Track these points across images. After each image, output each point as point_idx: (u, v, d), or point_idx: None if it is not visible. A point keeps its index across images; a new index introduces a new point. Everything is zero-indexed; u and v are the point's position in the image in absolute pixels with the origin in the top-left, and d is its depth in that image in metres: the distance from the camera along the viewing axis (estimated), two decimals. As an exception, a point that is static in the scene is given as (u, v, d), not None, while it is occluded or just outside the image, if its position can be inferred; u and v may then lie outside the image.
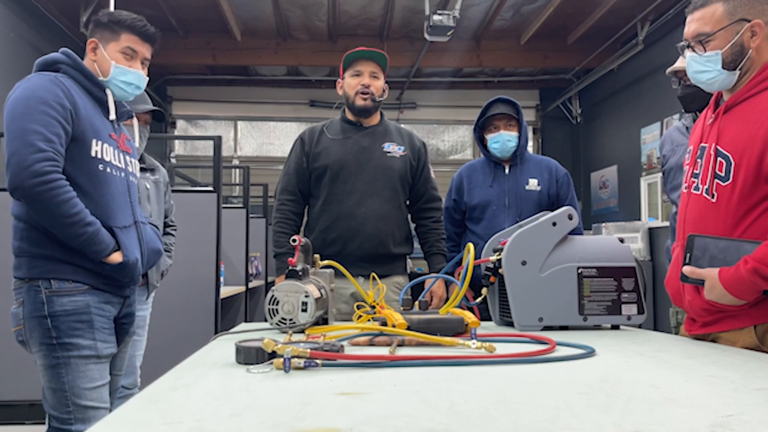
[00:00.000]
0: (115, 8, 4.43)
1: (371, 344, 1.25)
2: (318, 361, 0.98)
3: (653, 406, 0.78)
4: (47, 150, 1.61)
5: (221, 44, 7.12)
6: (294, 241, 1.50)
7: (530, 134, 8.62)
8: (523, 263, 1.58)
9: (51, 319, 1.68)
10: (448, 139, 8.96)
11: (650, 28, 6.23)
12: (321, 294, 1.46)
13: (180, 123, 8.69)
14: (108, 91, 1.83)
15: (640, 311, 1.60)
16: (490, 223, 2.62)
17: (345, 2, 6.31)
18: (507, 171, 2.70)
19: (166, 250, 2.67)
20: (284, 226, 2.38)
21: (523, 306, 1.57)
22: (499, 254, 1.62)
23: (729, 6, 1.46)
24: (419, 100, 8.68)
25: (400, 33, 7.09)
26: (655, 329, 4.80)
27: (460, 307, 1.53)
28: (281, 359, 0.97)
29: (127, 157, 1.89)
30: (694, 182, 1.53)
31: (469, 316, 1.42)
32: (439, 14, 5.40)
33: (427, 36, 5.61)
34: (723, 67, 1.47)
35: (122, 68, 1.82)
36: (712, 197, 1.46)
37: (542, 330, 1.55)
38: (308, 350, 0.99)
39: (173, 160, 8.21)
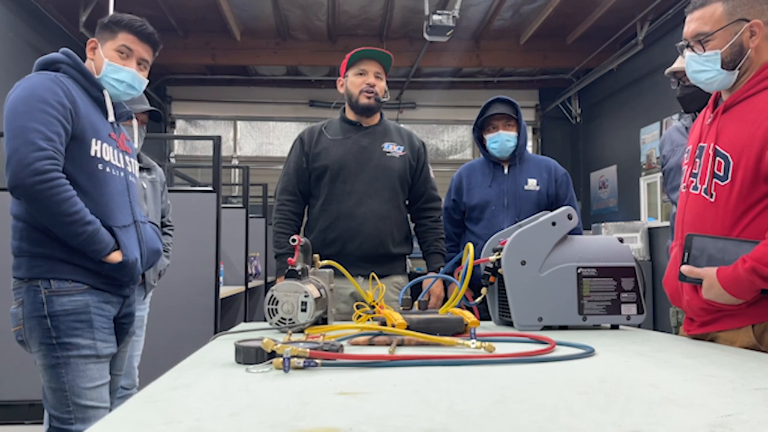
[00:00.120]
0: (114, 8, 4.43)
1: (371, 344, 1.25)
2: (317, 361, 0.98)
3: (652, 405, 0.78)
4: (47, 148, 1.61)
5: (221, 44, 7.12)
6: (293, 241, 1.50)
7: (530, 134, 8.63)
8: (523, 263, 1.58)
9: (51, 319, 1.68)
10: (447, 139, 8.96)
11: (650, 28, 6.23)
12: (320, 294, 1.46)
13: (179, 123, 8.69)
14: (106, 92, 1.83)
15: (640, 311, 1.60)
16: (489, 223, 2.62)
17: (344, 2, 6.31)
18: (506, 171, 2.70)
19: (163, 250, 2.67)
20: (284, 227, 2.38)
21: (522, 306, 1.57)
22: (499, 254, 1.62)
23: (728, 6, 1.46)
24: (419, 99, 8.68)
25: (400, 33, 7.09)
26: (655, 329, 4.81)
27: (459, 306, 1.53)
28: (281, 359, 0.97)
29: (127, 157, 1.89)
30: (692, 182, 1.53)
31: (469, 316, 1.42)
32: (439, 14, 5.40)
33: (426, 36, 5.61)
34: (722, 67, 1.47)
35: (114, 66, 1.82)
36: (711, 197, 1.46)
37: (542, 330, 1.55)
38: (308, 350, 0.99)
39: (173, 160, 8.21)
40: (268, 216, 6.22)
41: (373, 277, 1.87)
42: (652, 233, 6.14)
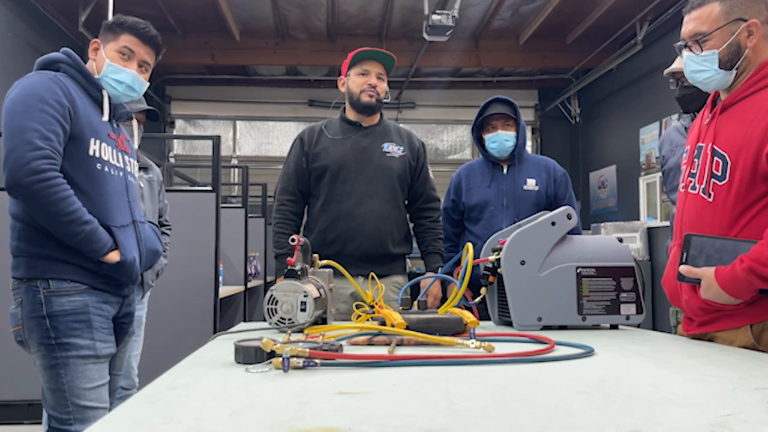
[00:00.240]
0: (114, 8, 4.43)
1: (370, 344, 1.25)
2: (317, 361, 0.98)
3: (652, 405, 0.78)
4: (45, 148, 1.61)
5: (220, 44, 7.11)
6: (293, 240, 1.50)
7: (529, 134, 8.63)
8: (522, 263, 1.58)
9: (49, 320, 1.67)
10: (446, 138, 8.96)
11: (649, 28, 6.23)
12: (320, 294, 1.46)
13: (179, 123, 8.68)
14: (104, 92, 1.83)
15: (639, 311, 1.60)
16: (489, 223, 2.63)
17: (344, 2, 6.31)
18: (505, 171, 2.70)
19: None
20: (284, 227, 2.38)
21: (522, 306, 1.57)
22: (498, 254, 1.62)
23: (726, 6, 1.46)
24: (418, 99, 8.68)
25: (399, 33, 7.09)
26: (654, 329, 4.81)
27: (458, 306, 1.53)
28: (280, 359, 0.97)
29: (126, 157, 1.89)
30: (691, 182, 1.53)
31: (468, 316, 1.42)
32: (438, 14, 5.40)
33: (426, 36, 5.61)
34: (720, 67, 1.48)
35: (115, 66, 1.82)
36: (709, 197, 1.46)
37: (541, 330, 1.56)
38: (307, 350, 0.99)
39: (172, 160, 8.20)
40: (268, 216, 6.22)
41: (373, 277, 1.87)
42: (651, 233, 6.14)
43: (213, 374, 0.97)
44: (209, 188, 3.59)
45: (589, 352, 1.16)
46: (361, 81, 2.38)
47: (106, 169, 1.77)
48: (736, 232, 1.41)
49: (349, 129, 2.43)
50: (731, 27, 1.46)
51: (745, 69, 1.47)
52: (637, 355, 1.17)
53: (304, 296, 1.37)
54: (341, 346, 1.09)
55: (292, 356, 0.97)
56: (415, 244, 2.54)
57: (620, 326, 1.63)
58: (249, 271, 5.22)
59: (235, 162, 8.57)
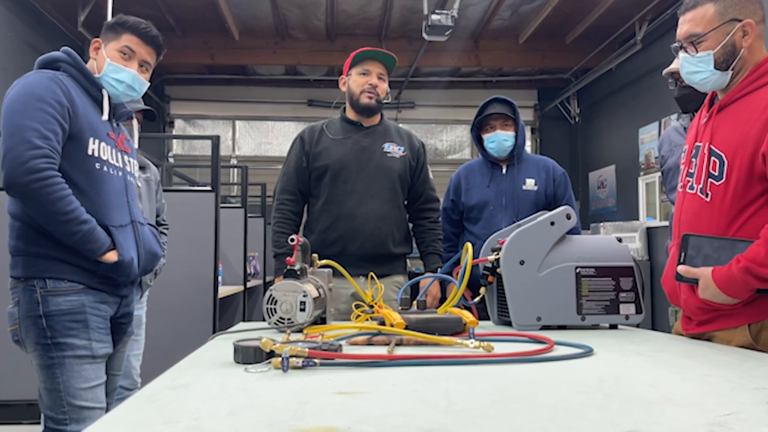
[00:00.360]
0: (113, 8, 4.43)
1: (369, 343, 1.25)
2: (316, 361, 0.98)
3: (651, 405, 0.78)
4: (43, 147, 1.61)
5: (219, 43, 7.11)
6: (292, 240, 1.50)
7: (528, 134, 8.63)
8: (522, 263, 1.58)
9: (46, 319, 1.67)
10: (446, 138, 8.96)
11: (648, 28, 6.23)
12: (319, 293, 1.46)
13: (178, 122, 8.68)
14: (104, 91, 1.83)
15: (638, 311, 1.60)
16: (488, 223, 2.63)
17: (343, 2, 6.31)
18: (504, 171, 2.70)
19: None
20: (284, 226, 2.38)
21: (521, 305, 1.57)
22: (498, 254, 1.62)
23: (720, 6, 1.46)
24: (417, 99, 8.68)
25: (399, 32, 7.08)
26: (653, 329, 4.81)
27: (458, 306, 1.53)
28: (279, 359, 0.97)
29: (125, 157, 1.88)
30: (689, 181, 1.54)
31: (468, 316, 1.42)
32: (438, 14, 5.40)
33: (425, 35, 5.60)
34: (715, 68, 1.48)
35: (116, 66, 1.82)
36: (707, 196, 1.46)
37: (540, 329, 1.56)
38: (306, 349, 0.99)
39: (171, 160, 8.20)
40: (267, 216, 6.22)
41: (372, 277, 1.87)
42: (650, 233, 6.15)
43: (212, 374, 0.96)
44: (208, 188, 3.59)
45: (588, 352, 1.16)
46: (361, 81, 2.38)
47: (105, 168, 1.76)
48: (733, 231, 1.41)
49: (350, 129, 2.43)
50: (726, 27, 1.46)
51: (741, 69, 1.48)
52: (636, 355, 1.17)
53: (304, 296, 1.37)
54: (340, 345, 1.09)
55: (292, 356, 0.97)
56: (413, 245, 2.54)
57: (619, 326, 1.63)
58: (248, 271, 5.22)
59: (234, 162, 8.57)
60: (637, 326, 1.65)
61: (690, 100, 2.27)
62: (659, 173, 2.71)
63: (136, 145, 2.01)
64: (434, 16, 5.39)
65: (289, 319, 1.37)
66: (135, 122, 2.09)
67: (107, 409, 1.80)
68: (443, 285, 2.52)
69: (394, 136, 2.46)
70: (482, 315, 1.81)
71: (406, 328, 1.33)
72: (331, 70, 8.04)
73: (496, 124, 2.67)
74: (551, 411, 0.75)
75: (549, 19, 6.49)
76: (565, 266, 1.58)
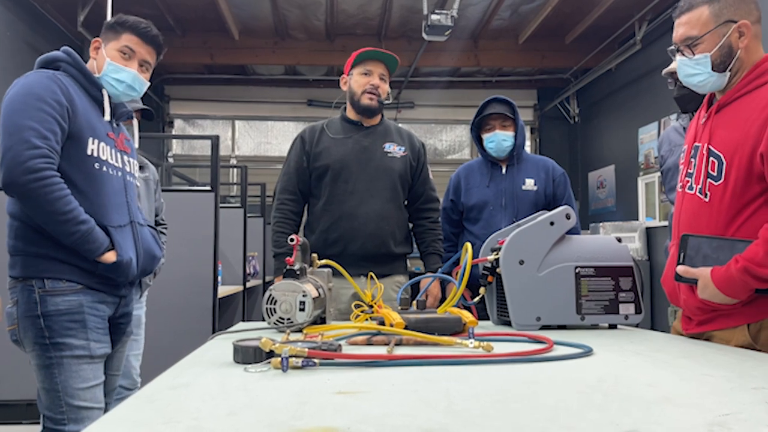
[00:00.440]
0: (112, 7, 4.42)
1: (369, 343, 1.25)
2: (316, 361, 0.98)
3: (651, 405, 0.78)
4: (42, 147, 1.61)
5: (219, 43, 7.11)
6: (292, 240, 1.50)
7: (528, 134, 8.63)
8: (521, 263, 1.58)
9: (44, 319, 1.67)
10: (445, 138, 8.96)
11: (648, 28, 6.23)
12: (319, 293, 1.46)
13: (177, 122, 8.67)
14: (104, 91, 1.82)
15: (638, 311, 1.60)
16: (487, 223, 2.63)
17: (343, 1, 6.31)
18: (504, 171, 2.70)
19: None
20: (284, 226, 2.38)
21: (520, 305, 1.57)
22: (497, 254, 1.62)
23: (714, 8, 1.46)
24: (417, 99, 8.68)
25: (398, 32, 7.08)
26: (653, 328, 4.81)
27: (457, 306, 1.53)
28: (279, 358, 0.97)
29: (125, 157, 1.88)
30: (688, 182, 1.54)
31: (467, 316, 1.42)
32: (437, 14, 5.40)
33: (425, 35, 5.60)
34: (713, 69, 1.48)
35: (116, 65, 1.82)
36: (706, 197, 1.46)
37: (540, 329, 1.56)
38: (306, 349, 0.99)
39: (171, 160, 8.20)
40: (266, 215, 6.21)
41: (371, 277, 1.86)
42: (650, 233, 6.15)
43: (212, 374, 0.96)
44: (208, 188, 3.59)
45: (587, 352, 1.16)
46: (363, 81, 2.38)
47: (104, 168, 1.76)
48: (732, 231, 1.42)
49: (351, 128, 2.43)
50: (721, 29, 1.46)
51: (739, 69, 1.48)
52: (635, 355, 1.17)
53: (303, 296, 1.37)
54: (340, 345, 1.09)
55: (291, 356, 0.97)
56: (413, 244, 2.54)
57: (619, 326, 1.63)
58: (248, 271, 5.22)
59: (233, 162, 8.57)
60: (637, 326, 1.65)
61: (689, 100, 2.27)
62: (659, 173, 2.71)
63: (136, 145, 2.01)
64: (434, 16, 5.39)
65: (288, 318, 1.37)
66: (135, 122, 2.08)
67: (106, 409, 1.80)
68: (443, 285, 2.53)
69: (394, 136, 2.46)
70: (482, 315, 1.81)
71: (406, 328, 1.33)
72: (330, 70, 8.03)
73: (495, 124, 2.67)
74: (551, 411, 0.75)
75: (548, 19, 6.49)
76: (565, 266, 1.58)
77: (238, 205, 5.21)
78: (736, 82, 1.48)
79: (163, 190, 2.95)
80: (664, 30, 6.07)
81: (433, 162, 8.13)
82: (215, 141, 3.61)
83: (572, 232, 1.65)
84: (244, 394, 0.82)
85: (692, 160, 1.54)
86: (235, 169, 8.40)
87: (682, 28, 1.51)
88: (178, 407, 0.76)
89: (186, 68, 8.00)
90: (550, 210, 1.66)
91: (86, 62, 1.84)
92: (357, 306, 1.54)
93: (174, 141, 8.57)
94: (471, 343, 1.18)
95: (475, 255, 1.71)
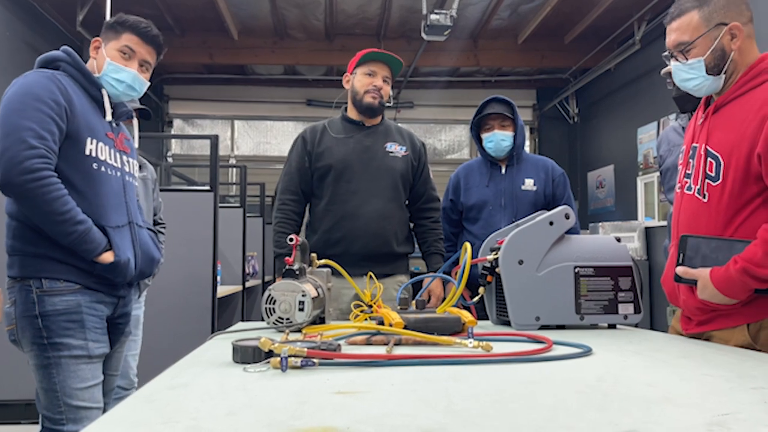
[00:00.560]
0: (111, 7, 4.42)
1: (368, 343, 1.25)
2: (315, 360, 0.98)
3: (650, 405, 0.78)
4: (39, 147, 1.60)
5: (218, 43, 7.11)
6: (291, 240, 1.50)
7: (527, 134, 8.63)
8: (520, 262, 1.58)
9: (42, 319, 1.67)
10: (445, 138, 8.96)
11: (647, 28, 6.24)
12: (318, 293, 1.46)
13: (177, 122, 8.67)
14: (104, 91, 1.82)
15: (637, 310, 1.60)
16: (487, 223, 2.63)
17: (342, 1, 6.30)
18: (503, 171, 2.70)
19: None
20: (286, 226, 2.37)
21: (520, 305, 1.57)
22: (496, 253, 1.62)
23: (704, 12, 1.47)
24: (416, 99, 8.68)
25: (398, 32, 7.08)
26: (652, 328, 4.81)
27: (457, 306, 1.53)
28: (278, 358, 0.97)
29: (124, 157, 1.87)
30: (686, 182, 1.54)
31: (466, 315, 1.42)
32: (437, 13, 5.40)
33: (424, 35, 5.60)
34: (707, 73, 1.48)
35: (116, 65, 1.81)
36: (704, 197, 1.47)
37: (539, 329, 1.56)
38: (305, 349, 0.99)
39: (170, 159, 8.19)
40: (266, 215, 6.21)
41: (371, 276, 1.86)
42: (649, 233, 6.15)
43: (211, 374, 0.96)
44: (207, 188, 3.59)
45: (587, 352, 1.16)
46: (366, 81, 2.38)
47: (103, 168, 1.76)
48: (731, 232, 1.42)
49: (352, 128, 2.43)
50: (713, 33, 1.46)
51: (734, 71, 1.48)
52: (635, 355, 1.17)
53: (302, 296, 1.37)
54: (339, 345, 1.09)
55: (290, 356, 0.97)
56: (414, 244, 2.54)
57: (618, 326, 1.63)
58: (247, 271, 5.22)
59: (233, 161, 8.57)
60: (636, 326, 1.65)
61: (688, 100, 2.27)
62: (658, 173, 2.71)
63: (136, 145, 2.00)
64: (433, 16, 5.39)
65: (287, 318, 1.37)
66: (135, 121, 2.08)
67: (105, 410, 1.80)
68: (445, 285, 2.53)
69: (395, 135, 2.47)
70: (481, 315, 1.81)
71: (405, 327, 1.33)
72: (329, 69, 8.03)
73: (494, 124, 2.67)
74: (550, 411, 0.75)
75: (548, 19, 6.50)
76: (564, 266, 1.58)
77: (238, 204, 5.20)
78: (732, 83, 1.48)
79: (162, 190, 2.95)
80: (663, 30, 6.02)
81: (433, 162, 8.12)
82: (214, 141, 3.61)
83: (571, 231, 1.65)
84: (243, 394, 0.82)
85: (690, 160, 1.54)
86: (234, 169, 8.40)
87: (673, 34, 1.52)
88: (177, 407, 0.76)
89: (185, 68, 7.99)
90: (549, 210, 1.66)
91: (86, 62, 1.84)
92: (357, 306, 1.54)
93: (173, 141, 8.57)
94: (470, 342, 1.18)
95: (474, 255, 1.71)
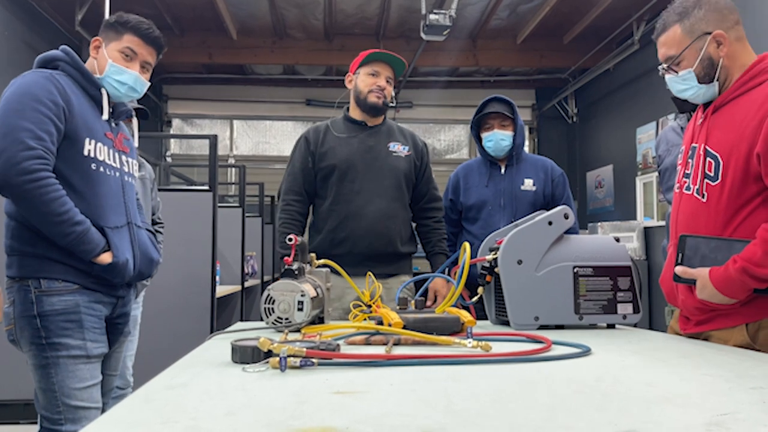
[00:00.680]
0: (110, 7, 4.42)
1: (367, 343, 1.25)
2: (314, 360, 0.98)
3: (649, 404, 0.78)
4: (37, 148, 1.60)
5: (217, 43, 7.10)
6: (290, 240, 1.50)
7: (526, 134, 8.63)
8: (519, 262, 1.58)
9: (40, 319, 1.67)
10: (444, 138, 8.97)
11: (646, 28, 6.24)
12: (317, 293, 1.46)
13: (176, 122, 8.67)
14: (103, 91, 1.82)
15: (636, 310, 1.60)
16: (486, 223, 2.63)
17: (341, 1, 6.30)
18: (503, 171, 2.70)
19: None
20: (291, 227, 2.37)
21: (519, 305, 1.57)
22: (495, 253, 1.62)
23: (686, 25, 1.49)
24: (415, 99, 8.68)
25: (397, 32, 7.08)
26: (651, 328, 4.82)
27: (456, 306, 1.53)
28: (277, 358, 0.97)
29: (123, 157, 1.87)
30: (685, 182, 1.54)
31: (465, 315, 1.42)
32: (436, 13, 5.40)
33: (423, 35, 5.60)
34: (699, 82, 1.50)
35: (118, 67, 1.81)
36: (703, 197, 1.47)
37: (538, 329, 1.56)
38: (304, 349, 0.99)
39: (169, 159, 8.19)
40: (265, 215, 6.21)
41: (369, 276, 1.86)
42: (648, 233, 6.15)
43: (210, 374, 0.96)
44: (206, 188, 3.58)
45: (586, 352, 1.16)
46: (370, 81, 2.39)
47: (102, 169, 1.75)
48: (730, 232, 1.42)
49: (355, 128, 2.43)
50: (698, 43, 1.48)
51: (727, 76, 1.49)
52: (633, 355, 1.17)
53: (301, 296, 1.37)
54: (338, 345, 1.09)
55: (289, 356, 0.97)
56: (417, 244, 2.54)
57: (617, 325, 1.63)
58: (246, 271, 5.21)
59: (232, 161, 8.56)
60: (635, 326, 1.65)
61: (686, 100, 2.27)
62: (656, 173, 2.71)
63: (136, 144, 1.99)
64: (432, 16, 5.39)
65: (286, 318, 1.37)
66: (135, 121, 2.07)
67: (103, 410, 1.80)
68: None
69: (398, 135, 2.47)
70: (480, 314, 1.81)
71: (404, 327, 1.33)
72: (329, 69, 8.03)
73: (494, 123, 2.67)
74: (549, 411, 0.75)
75: (547, 19, 6.50)
76: (563, 266, 1.58)
77: (237, 204, 5.20)
78: (729, 86, 1.49)
79: (160, 190, 2.95)
80: (662, 30, 6.07)
81: (431, 162, 8.10)
82: (213, 140, 3.60)
83: (570, 231, 1.65)
84: (242, 394, 0.82)
85: (689, 160, 1.55)
86: (233, 169, 8.40)
87: (662, 48, 1.55)
88: (176, 407, 0.76)
89: (184, 68, 7.99)
90: (548, 210, 1.66)
91: (85, 61, 1.83)
92: (356, 306, 1.54)
93: (172, 140, 8.56)
94: (469, 342, 1.18)
95: (473, 255, 1.71)
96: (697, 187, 1.49)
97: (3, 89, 1.72)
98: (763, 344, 1.38)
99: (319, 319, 1.53)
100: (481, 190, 2.69)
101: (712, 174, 1.46)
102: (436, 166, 2.62)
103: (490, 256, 1.67)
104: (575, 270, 1.59)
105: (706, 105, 1.57)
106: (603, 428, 0.67)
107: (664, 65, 1.55)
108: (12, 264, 1.71)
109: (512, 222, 2.34)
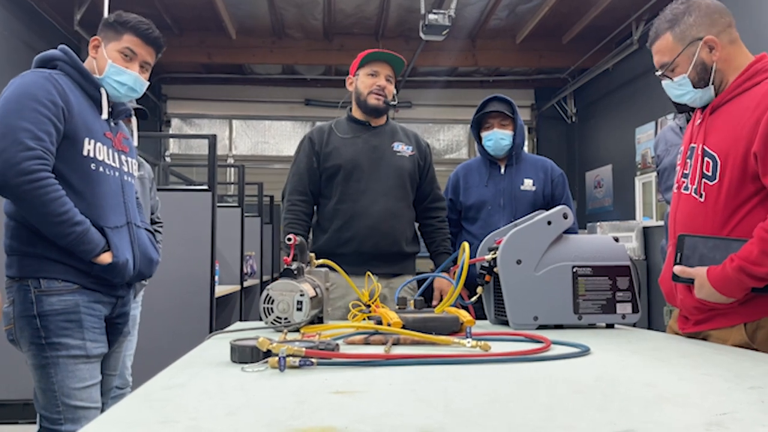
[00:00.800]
0: (109, 6, 4.41)
1: (366, 343, 1.25)
2: (313, 360, 0.98)
3: (648, 404, 0.78)
4: (36, 148, 1.60)
5: (216, 42, 7.10)
6: (289, 240, 1.50)
7: (525, 133, 8.63)
8: (518, 262, 1.58)
9: (40, 319, 1.66)
10: (443, 138, 8.97)
11: (645, 28, 6.24)
12: (316, 293, 1.46)
13: (175, 121, 8.66)
14: (103, 90, 1.81)
15: (635, 310, 1.61)
16: (485, 223, 2.63)
17: (340, 1, 6.30)
18: (503, 171, 2.71)
19: None
20: (296, 227, 2.37)
21: (518, 305, 1.57)
22: (495, 253, 1.63)
23: (677, 32, 1.50)
24: (415, 99, 8.68)
25: (396, 32, 7.08)
26: (650, 328, 4.82)
27: (455, 305, 1.53)
28: (276, 358, 0.97)
29: (123, 157, 1.87)
30: (684, 182, 1.55)
31: (465, 315, 1.42)
32: (435, 13, 5.40)
33: (422, 35, 5.60)
34: (695, 87, 1.51)
35: (118, 68, 1.81)
36: (701, 197, 1.47)
37: (537, 329, 1.56)
38: (303, 349, 0.99)
39: (168, 159, 8.18)
40: (264, 215, 6.21)
41: (369, 276, 1.86)
42: (647, 232, 6.16)
43: (209, 373, 0.96)
44: (205, 187, 3.58)
45: (585, 352, 1.16)
46: (369, 82, 2.39)
47: (101, 169, 1.75)
48: (728, 231, 1.42)
49: (359, 128, 2.43)
50: (689, 50, 1.49)
51: (722, 79, 1.50)
52: (633, 354, 1.17)
53: (301, 295, 1.37)
54: (337, 345, 1.09)
55: (289, 355, 0.97)
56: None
57: (616, 325, 1.63)
58: (245, 271, 5.21)
59: (231, 161, 8.56)
60: (634, 325, 1.65)
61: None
62: (656, 173, 2.71)
63: (135, 143, 1.99)
64: (431, 16, 5.39)
65: (286, 318, 1.37)
66: (134, 120, 2.07)
67: (103, 409, 1.79)
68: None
69: (401, 135, 2.48)
70: (479, 314, 1.81)
71: (404, 327, 1.33)
72: (328, 69, 8.03)
73: (494, 123, 2.67)
74: (548, 410, 0.75)
75: (546, 19, 6.50)
76: (562, 265, 1.59)
77: (236, 204, 5.20)
78: (725, 89, 1.50)
79: (159, 190, 2.95)
80: (661, 30, 6.07)
81: (431, 161, 8.11)
82: (212, 140, 3.60)
83: (569, 231, 1.66)
84: (241, 394, 0.82)
85: (688, 160, 1.55)
86: (232, 169, 8.39)
87: (656, 56, 1.56)
88: (175, 407, 0.76)
89: (183, 67, 7.98)
90: (548, 210, 1.67)
91: (83, 60, 1.83)
92: (355, 306, 1.54)
93: (171, 140, 8.56)
94: (468, 342, 1.18)
95: (472, 254, 1.71)
96: (695, 186, 1.49)
97: (2, 89, 1.72)
98: (761, 343, 1.39)
99: (318, 319, 1.53)
100: (480, 190, 2.69)
101: (710, 174, 1.46)
102: (435, 165, 2.62)
103: (489, 256, 1.67)
104: (574, 270, 1.59)
105: (704, 106, 1.57)
106: (602, 428, 0.68)
107: (660, 72, 1.56)
108: (12, 264, 1.71)
109: (512, 222, 2.34)
